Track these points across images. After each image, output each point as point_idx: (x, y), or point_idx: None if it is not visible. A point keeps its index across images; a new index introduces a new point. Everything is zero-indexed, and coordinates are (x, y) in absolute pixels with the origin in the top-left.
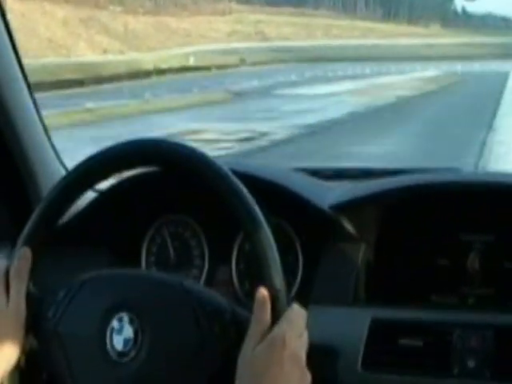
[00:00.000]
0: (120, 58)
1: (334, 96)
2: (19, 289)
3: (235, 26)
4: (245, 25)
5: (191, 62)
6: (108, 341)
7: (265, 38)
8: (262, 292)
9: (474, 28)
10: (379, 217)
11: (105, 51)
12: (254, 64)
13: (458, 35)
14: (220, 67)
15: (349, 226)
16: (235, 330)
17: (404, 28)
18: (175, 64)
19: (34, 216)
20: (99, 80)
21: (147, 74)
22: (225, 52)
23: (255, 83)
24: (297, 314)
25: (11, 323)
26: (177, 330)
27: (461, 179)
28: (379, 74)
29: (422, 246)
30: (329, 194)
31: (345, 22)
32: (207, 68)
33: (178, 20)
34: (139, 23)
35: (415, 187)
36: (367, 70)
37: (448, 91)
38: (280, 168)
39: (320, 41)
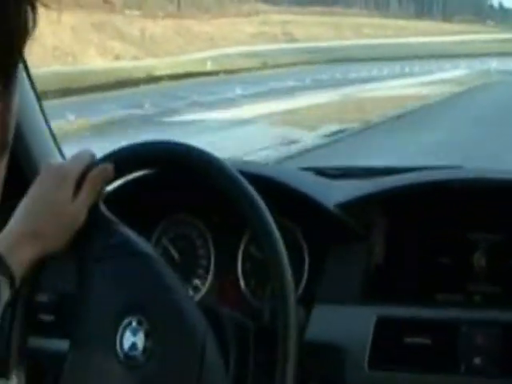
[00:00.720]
0: (131, 64)
1: (245, 125)
2: (89, 194)
3: (261, 27)
4: (271, 26)
5: (208, 66)
6: (120, 331)
7: (292, 39)
8: None
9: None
10: (385, 215)
11: (117, 57)
12: (277, 66)
13: (495, 31)
14: (230, 72)
15: (355, 225)
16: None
17: (438, 25)
18: (192, 69)
19: None
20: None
21: (136, 82)
22: (248, 55)
23: (238, 91)
24: None
25: (66, 220)
26: (182, 353)
27: (467, 177)
28: (401, 75)
29: (427, 244)
30: (335, 193)
31: (376, 21)
32: (216, 73)
33: (200, 23)
34: (158, 27)
35: (421, 185)
36: (385, 71)
37: (458, 105)
38: (286, 168)
39: (350, 41)
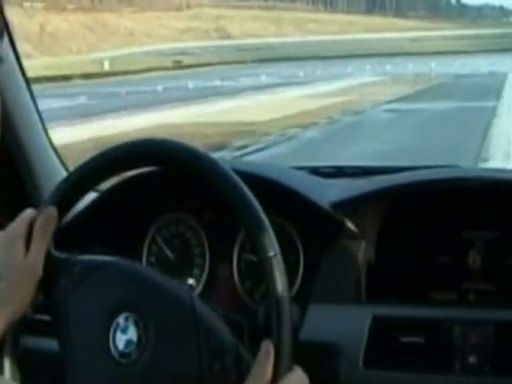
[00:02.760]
0: None
1: None
2: (40, 245)
3: (191, 22)
4: (204, 21)
5: (106, 67)
6: (111, 336)
7: (226, 36)
8: (267, 347)
9: (470, 19)
10: (380, 214)
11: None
12: (191, 67)
13: (451, 27)
14: (105, 74)
15: (349, 224)
16: (235, 373)
17: (390, 21)
18: (88, 70)
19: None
20: None
21: None
22: (171, 52)
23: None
24: (298, 379)
25: (25, 276)
26: (179, 349)
27: (462, 175)
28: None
29: (422, 243)
30: (329, 192)
31: (322, 16)
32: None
33: (119, 17)
34: (66, 22)
35: (416, 184)
36: (301, 73)
37: None
38: (280, 166)
39: (291, 38)
